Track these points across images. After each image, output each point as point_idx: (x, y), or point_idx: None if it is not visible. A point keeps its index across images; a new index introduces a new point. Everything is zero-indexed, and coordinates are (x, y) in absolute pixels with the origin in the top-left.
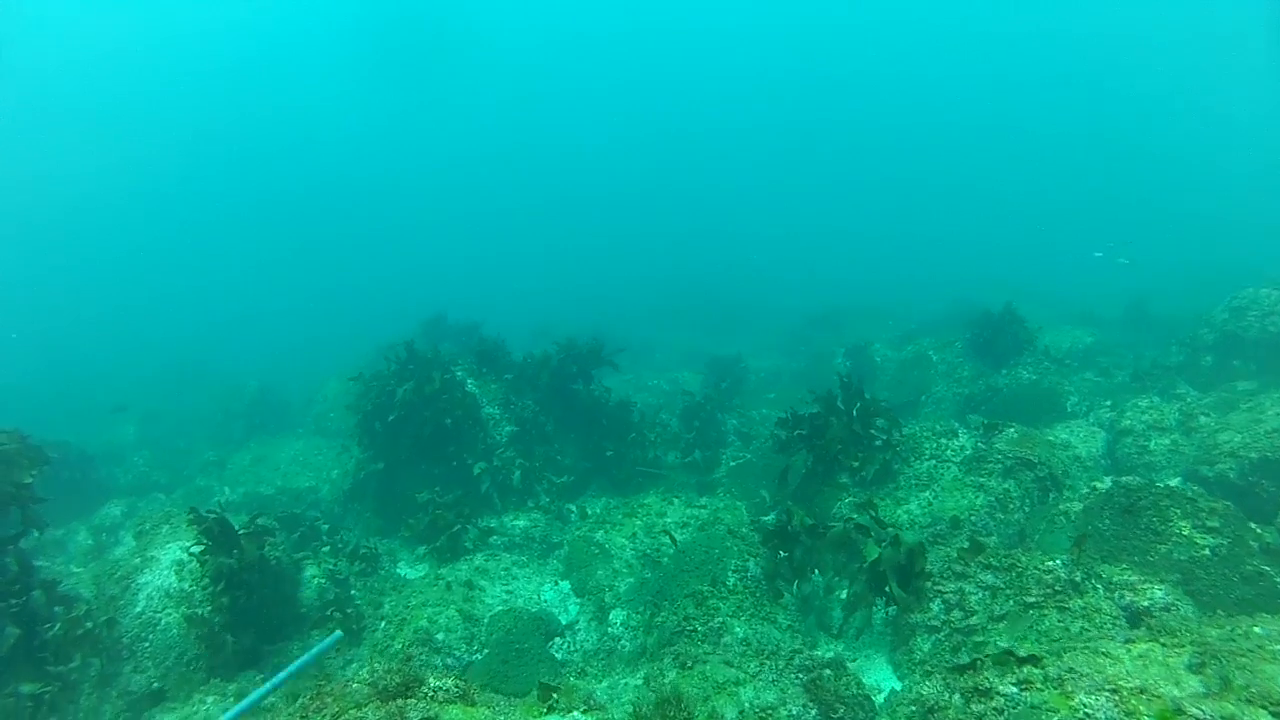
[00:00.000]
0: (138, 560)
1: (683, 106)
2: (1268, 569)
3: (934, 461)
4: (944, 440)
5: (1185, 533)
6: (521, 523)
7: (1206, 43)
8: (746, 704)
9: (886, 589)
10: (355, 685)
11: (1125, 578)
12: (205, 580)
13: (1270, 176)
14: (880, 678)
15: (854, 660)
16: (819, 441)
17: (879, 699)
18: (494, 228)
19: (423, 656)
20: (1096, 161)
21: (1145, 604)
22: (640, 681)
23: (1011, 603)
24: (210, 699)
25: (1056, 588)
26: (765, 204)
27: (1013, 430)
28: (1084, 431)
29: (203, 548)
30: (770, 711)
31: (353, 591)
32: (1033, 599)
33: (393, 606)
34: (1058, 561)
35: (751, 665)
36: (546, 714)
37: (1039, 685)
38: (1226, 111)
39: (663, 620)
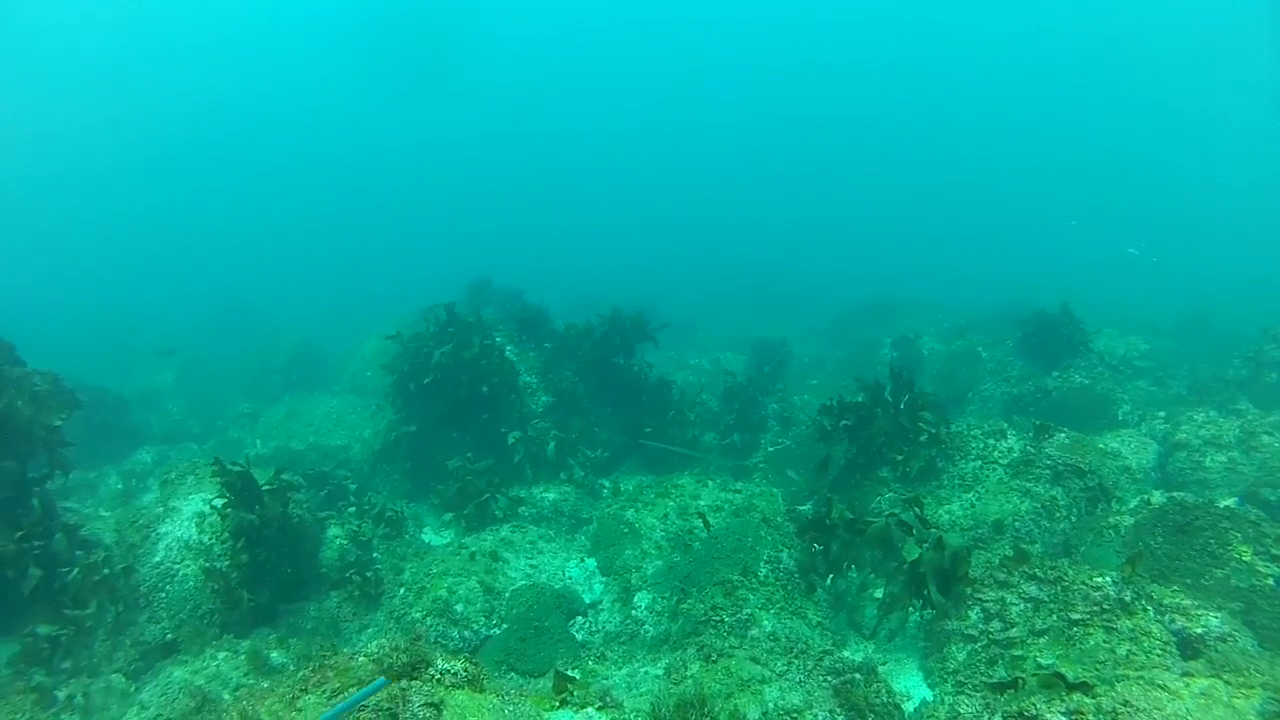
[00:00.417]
0: (160, 509)
1: (747, 94)
2: None
3: (980, 462)
4: (992, 440)
5: (1246, 559)
6: (552, 495)
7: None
8: (771, 705)
9: (925, 592)
10: (360, 660)
11: (1177, 601)
12: (225, 535)
13: None
14: (910, 684)
15: (884, 663)
16: (863, 433)
17: (908, 706)
18: (546, 200)
19: (439, 628)
20: (1150, 171)
21: (1199, 631)
22: (661, 672)
23: (1055, 617)
24: (222, 655)
25: (1105, 606)
26: (820, 193)
27: (1064, 435)
28: (1135, 442)
29: (225, 501)
30: (796, 715)
31: (375, 554)
32: (1078, 616)
33: (413, 573)
34: (1108, 578)
35: (778, 663)
36: (559, 708)
37: (1091, 717)
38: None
39: (689, 608)
